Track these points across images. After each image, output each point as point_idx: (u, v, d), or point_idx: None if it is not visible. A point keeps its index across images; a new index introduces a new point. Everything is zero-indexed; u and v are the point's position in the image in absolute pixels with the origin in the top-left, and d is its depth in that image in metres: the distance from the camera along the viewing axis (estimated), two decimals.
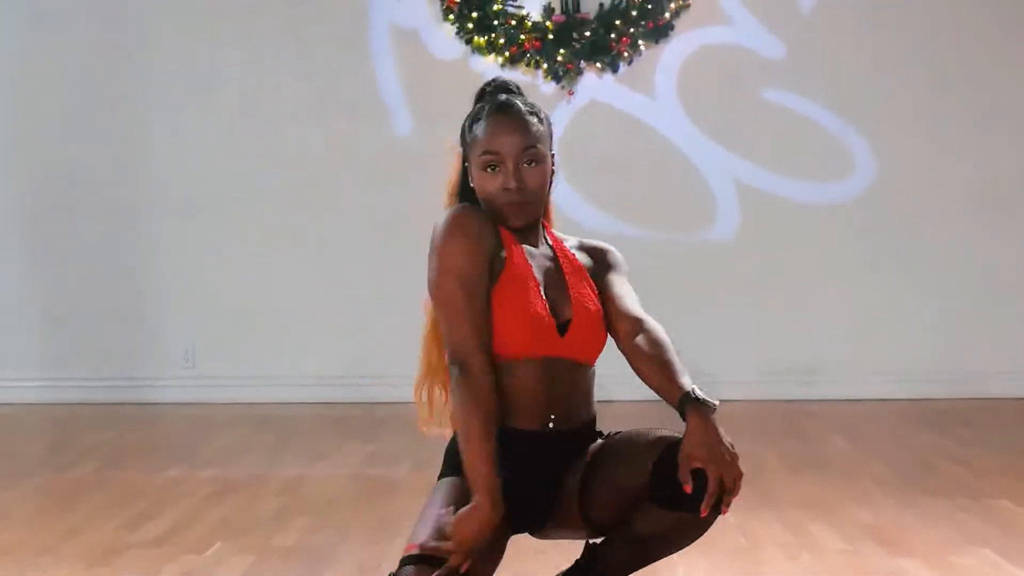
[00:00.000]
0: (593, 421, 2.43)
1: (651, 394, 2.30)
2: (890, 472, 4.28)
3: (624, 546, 2.35)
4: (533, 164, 2.33)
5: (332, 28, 6.22)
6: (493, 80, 2.51)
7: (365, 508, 3.77)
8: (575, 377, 2.36)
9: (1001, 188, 6.08)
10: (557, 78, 6.09)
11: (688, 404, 2.18)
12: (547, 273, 2.38)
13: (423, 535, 2.16)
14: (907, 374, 6.05)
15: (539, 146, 2.34)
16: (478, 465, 2.15)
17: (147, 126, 6.28)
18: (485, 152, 2.33)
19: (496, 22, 6.04)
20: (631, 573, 2.40)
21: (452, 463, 2.31)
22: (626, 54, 6.07)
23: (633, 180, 6.15)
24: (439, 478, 2.35)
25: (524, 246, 2.37)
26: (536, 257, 2.38)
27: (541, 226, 2.46)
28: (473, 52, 6.11)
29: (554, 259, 2.42)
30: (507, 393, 2.28)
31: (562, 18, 6.04)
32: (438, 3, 6.12)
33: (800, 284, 6.15)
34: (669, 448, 2.18)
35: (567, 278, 2.39)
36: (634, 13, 6.02)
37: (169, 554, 3.22)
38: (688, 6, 6.07)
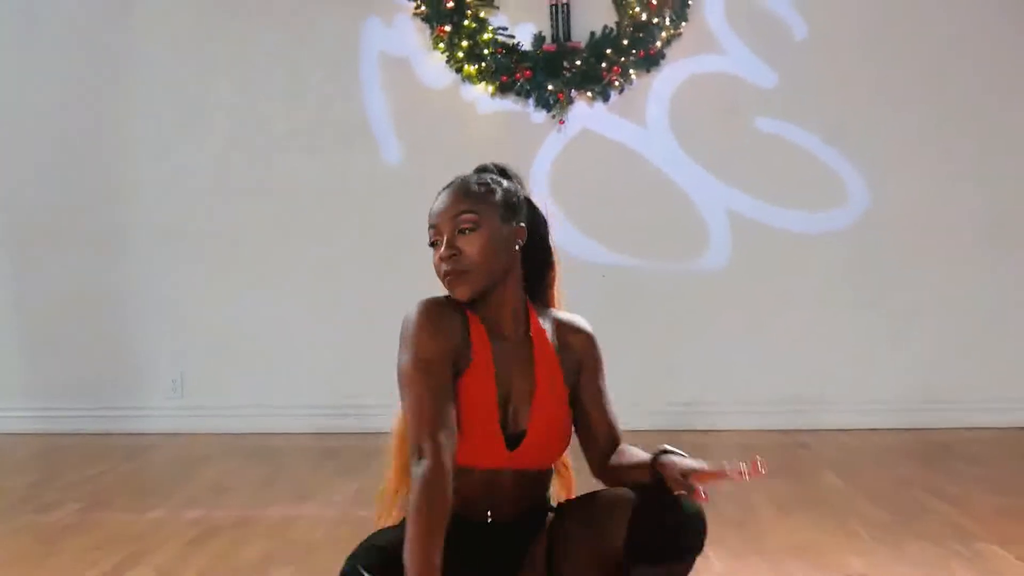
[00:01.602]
0: (543, 507, 2.38)
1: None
2: (882, 514, 4.22)
3: None
4: (468, 231, 2.25)
5: (322, 56, 6.20)
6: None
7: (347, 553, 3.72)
8: (521, 482, 2.30)
9: (995, 219, 6.07)
10: (548, 107, 6.06)
11: (656, 459, 2.21)
12: (515, 373, 2.30)
13: None
14: (900, 403, 6.03)
15: (475, 212, 2.26)
16: (415, 555, 2.01)
17: (136, 154, 6.27)
18: (430, 228, 2.30)
19: (486, 51, 6.02)
20: None
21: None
22: (617, 83, 6.05)
23: (625, 209, 6.12)
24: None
25: (491, 339, 2.28)
26: (506, 354, 2.30)
27: (524, 310, 2.37)
28: (463, 81, 6.10)
29: (526, 360, 2.32)
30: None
31: (553, 47, 6.02)
32: (428, 32, 6.10)
33: (792, 313, 6.12)
34: (641, 503, 2.15)
35: (537, 388, 2.30)
36: (625, 42, 6.00)
37: None
38: (679, 35, 6.06)
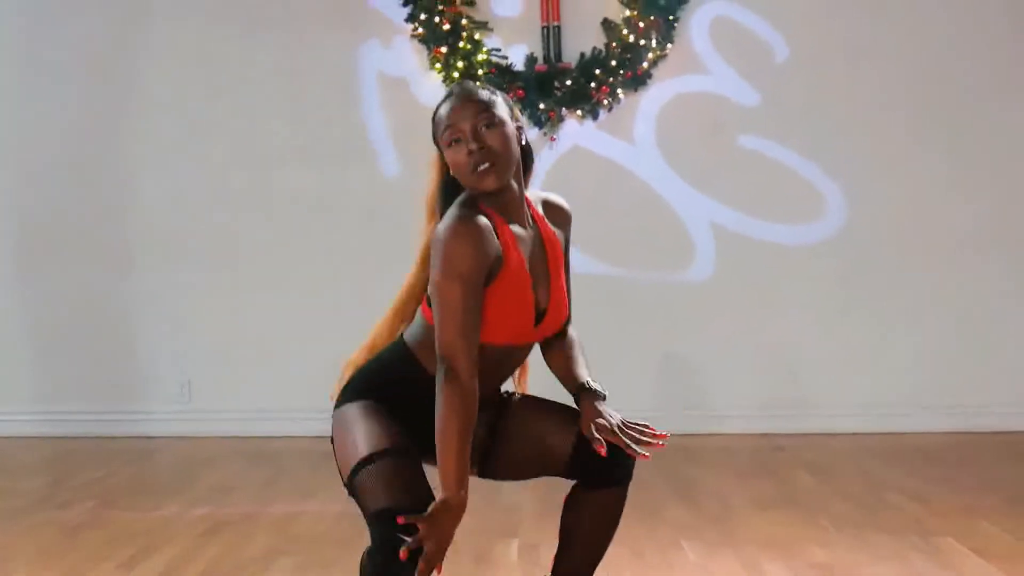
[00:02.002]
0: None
1: None
2: (850, 509, 4.49)
3: (569, 550, 2.70)
4: (490, 127, 2.44)
5: (322, 76, 6.45)
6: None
7: (351, 547, 3.97)
8: (522, 356, 2.64)
9: (969, 231, 6.31)
10: (540, 125, 6.32)
11: (582, 392, 2.57)
12: (535, 262, 2.54)
13: (361, 448, 2.40)
14: (878, 408, 6.28)
15: (494, 110, 2.46)
16: (452, 464, 2.29)
17: (142, 168, 6.52)
18: (446, 129, 2.47)
19: (481, 71, 6.27)
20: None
21: (357, 389, 2.55)
22: (606, 102, 6.31)
23: (614, 222, 6.37)
24: (337, 407, 2.56)
25: (515, 233, 2.49)
26: (526, 245, 2.52)
27: (525, 203, 2.57)
28: None
29: (539, 243, 2.57)
30: None
31: (544, 67, 6.28)
32: (425, 52, 6.36)
33: (774, 322, 6.37)
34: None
35: (550, 266, 2.57)
36: (613, 63, 6.26)
37: None
38: (665, 56, 6.31)
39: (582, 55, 6.31)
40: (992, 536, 4.02)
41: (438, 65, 6.33)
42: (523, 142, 2.55)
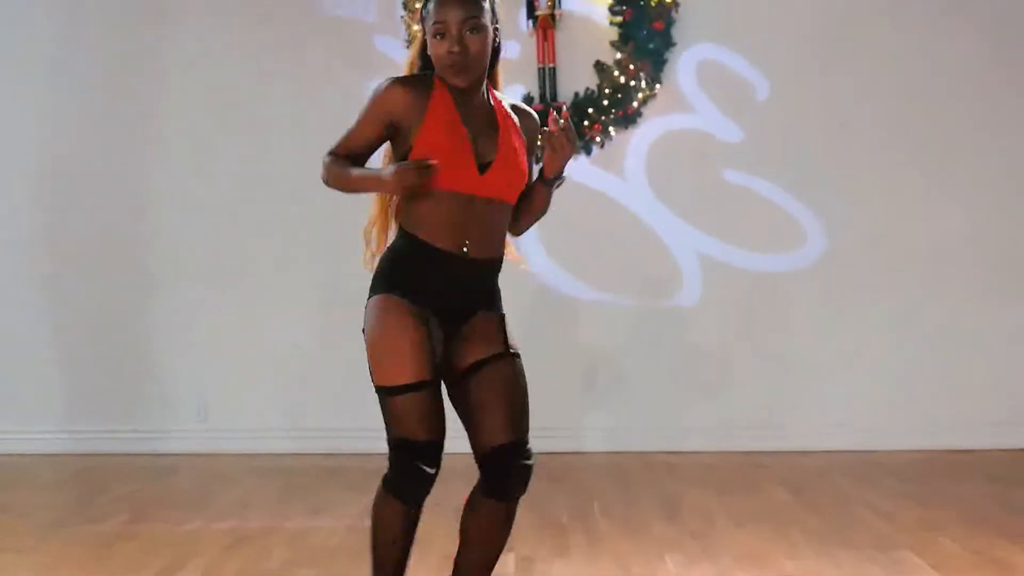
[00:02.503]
0: (501, 257, 3.04)
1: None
2: (820, 524, 4.89)
3: (465, 548, 3.07)
4: (474, 32, 2.84)
5: (330, 113, 6.80)
6: None
7: (364, 558, 4.36)
8: (491, 214, 2.93)
9: (938, 260, 6.72)
10: (537, 159, 6.71)
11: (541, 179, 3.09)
12: (479, 123, 2.90)
13: (391, 370, 2.82)
14: (852, 428, 6.69)
15: (480, 18, 2.84)
16: (362, 178, 2.93)
17: (160, 195, 6.94)
18: (435, 23, 2.84)
19: None
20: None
21: (380, 282, 2.95)
22: (598, 139, 6.72)
23: (606, 251, 6.78)
24: (370, 297, 2.96)
25: (456, 99, 2.88)
26: (471, 109, 2.90)
27: (486, 89, 2.97)
28: None
29: (490, 113, 2.95)
30: (432, 218, 2.87)
31: (540, 107, 6.67)
32: None
33: (756, 345, 6.78)
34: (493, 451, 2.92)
35: (499, 128, 2.95)
36: (605, 102, 6.67)
37: None
38: (654, 96, 6.72)
39: (576, 95, 6.72)
40: (948, 551, 4.40)
41: None
42: (496, 43, 2.96)
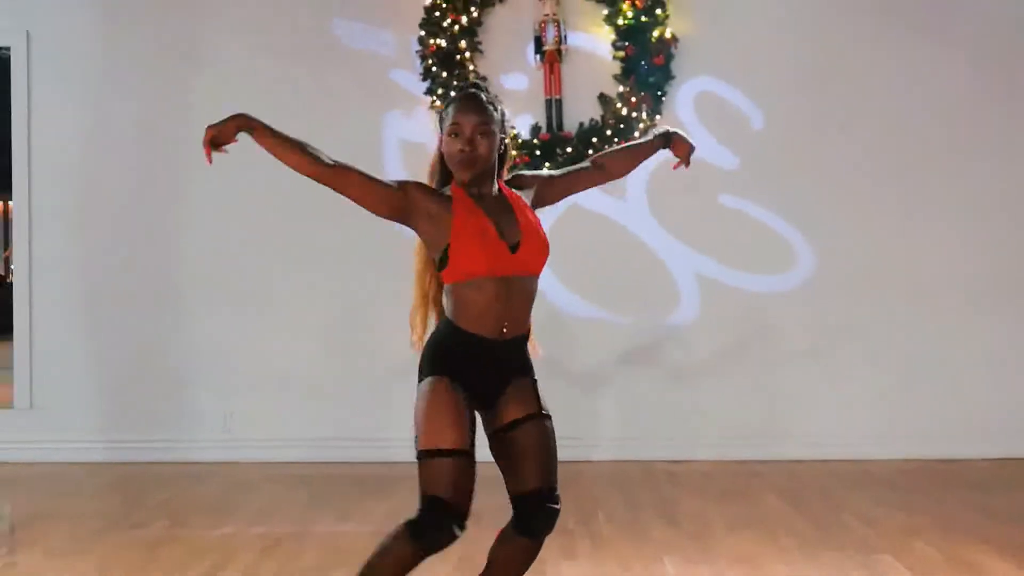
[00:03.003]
0: (529, 329, 3.36)
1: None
2: (809, 529, 5.30)
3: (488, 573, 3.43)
4: (484, 136, 3.23)
5: (351, 141, 7.22)
6: (464, 83, 3.42)
7: None
8: (525, 289, 3.26)
9: (920, 281, 7.14)
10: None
11: (660, 136, 3.74)
12: (498, 212, 3.25)
13: (433, 436, 3.12)
14: (842, 438, 7.10)
15: (490, 125, 3.25)
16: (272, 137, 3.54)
17: (190, 228, 7.35)
18: (452, 123, 3.25)
19: None
20: None
21: (427, 367, 3.24)
22: None
23: (608, 271, 7.19)
24: (420, 380, 3.24)
25: (473, 196, 3.24)
26: (488, 202, 3.26)
27: (495, 183, 3.33)
28: None
29: (503, 200, 3.30)
30: (472, 305, 3.19)
31: (547, 136, 7.09)
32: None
33: (751, 359, 7.19)
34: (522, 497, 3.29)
35: (515, 211, 3.31)
36: (609, 132, 7.08)
37: None
38: (655, 126, 7.13)
39: (581, 125, 7.14)
40: (924, 554, 4.81)
41: None
42: (502, 149, 3.36)
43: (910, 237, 7.17)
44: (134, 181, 7.36)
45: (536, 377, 3.40)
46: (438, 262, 3.24)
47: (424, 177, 3.42)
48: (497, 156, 3.35)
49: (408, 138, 7.25)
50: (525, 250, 3.24)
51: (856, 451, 7.07)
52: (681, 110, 7.19)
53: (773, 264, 7.22)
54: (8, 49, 7.42)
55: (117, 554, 4.95)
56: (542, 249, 3.30)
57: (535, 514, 3.29)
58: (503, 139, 3.37)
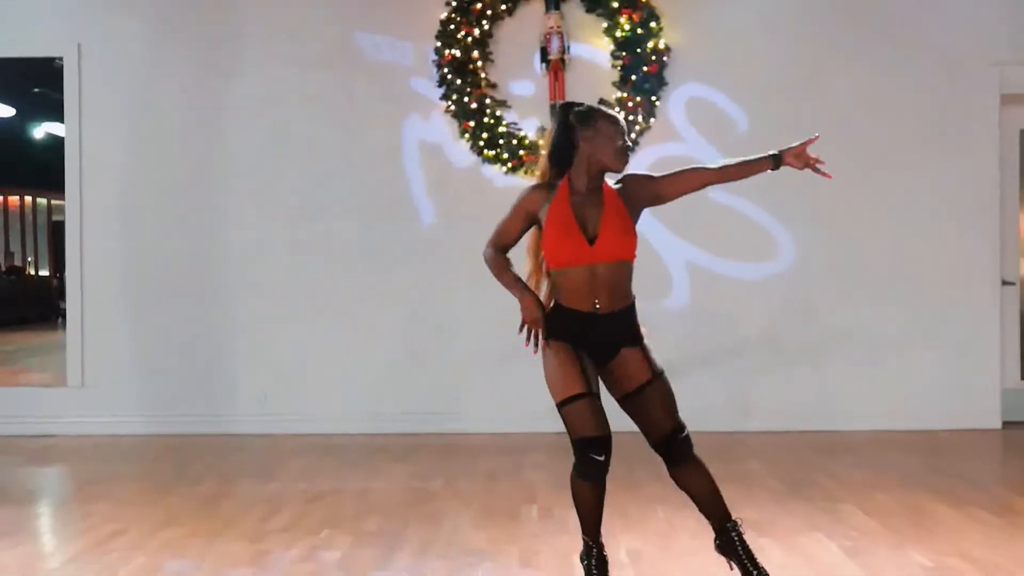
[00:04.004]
0: (631, 305, 4.04)
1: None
2: (782, 486, 6.05)
3: (701, 508, 4.25)
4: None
5: (374, 144, 8.01)
6: (572, 103, 4.10)
7: (416, 508, 5.55)
8: (614, 274, 3.91)
9: (890, 269, 7.89)
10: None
11: (773, 158, 4.36)
12: (588, 206, 3.89)
13: (563, 388, 3.88)
14: (822, 413, 7.84)
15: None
16: (508, 284, 4.00)
17: (227, 225, 8.08)
18: (618, 128, 3.97)
19: (501, 140, 7.84)
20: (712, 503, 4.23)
21: (546, 333, 3.95)
22: None
23: None
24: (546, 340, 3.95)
25: (572, 191, 3.92)
26: (585, 196, 3.92)
27: (599, 182, 3.99)
28: (483, 162, 7.91)
29: (598, 199, 3.93)
30: (566, 288, 3.90)
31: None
32: (456, 125, 7.92)
33: (736, 340, 7.94)
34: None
35: (605, 206, 3.91)
36: None
37: (296, 536, 5.00)
38: (649, 128, 7.88)
39: None
40: (881, 502, 5.57)
41: (467, 135, 7.89)
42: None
43: (882, 230, 7.91)
44: (176, 181, 8.10)
45: (646, 343, 4.09)
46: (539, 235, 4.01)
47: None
48: None
49: (426, 139, 7.99)
50: (603, 241, 3.90)
51: (831, 423, 7.81)
52: (673, 114, 7.93)
53: (757, 254, 7.96)
54: (61, 59, 8.15)
55: (181, 504, 5.72)
56: (622, 238, 3.94)
57: (676, 447, 4.08)
58: None
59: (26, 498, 6.16)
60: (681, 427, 4.13)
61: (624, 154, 4.00)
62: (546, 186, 4.00)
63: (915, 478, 6.22)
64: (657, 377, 4.08)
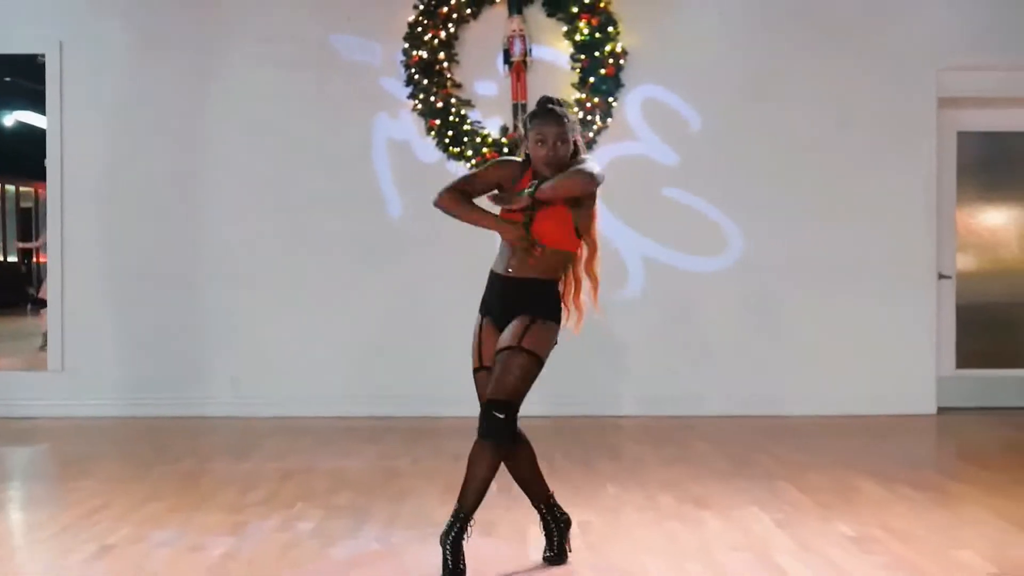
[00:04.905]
0: (547, 282, 4.33)
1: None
2: (726, 465, 6.48)
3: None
4: (562, 143, 4.26)
5: (346, 140, 8.37)
6: (544, 98, 4.42)
7: (384, 485, 5.94)
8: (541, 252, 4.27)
9: (832, 263, 8.34)
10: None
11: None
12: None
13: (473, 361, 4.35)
14: (770, 399, 8.29)
15: (568, 134, 4.26)
16: (480, 216, 4.27)
17: (205, 216, 8.41)
18: (537, 133, 4.25)
19: (465, 138, 8.22)
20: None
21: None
22: None
23: None
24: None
25: (538, 179, 4.22)
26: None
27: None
28: (448, 158, 8.29)
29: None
30: (500, 249, 4.31)
31: (514, 135, 8.22)
32: (423, 123, 8.30)
33: (687, 330, 8.37)
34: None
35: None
36: None
37: (272, 509, 5.37)
38: (607, 127, 8.28)
39: None
40: (814, 480, 6.01)
41: (433, 133, 8.27)
42: (572, 149, 4.32)
43: (826, 226, 8.35)
44: (157, 174, 8.42)
45: (538, 318, 4.32)
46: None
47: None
48: (568, 156, 4.35)
49: (394, 136, 8.36)
50: (537, 225, 4.27)
51: (777, 408, 8.26)
52: (629, 114, 8.34)
53: (707, 247, 8.39)
54: (43, 56, 8.46)
55: (163, 480, 6.08)
56: (553, 230, 4.28)
57: (484, 419, 4.24)
58: (575, 142, 4.37)
59: (11, 475, 6.51)
60: (501, 404, 4.20)
61: (549, 166, 4.25)
62: (520, 165, 4.36)
63: (849, 459, 6.67)
64: (517, 351, 4.24)
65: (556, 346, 4.42)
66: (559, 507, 4.56)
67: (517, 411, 4.28)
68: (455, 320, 8.05)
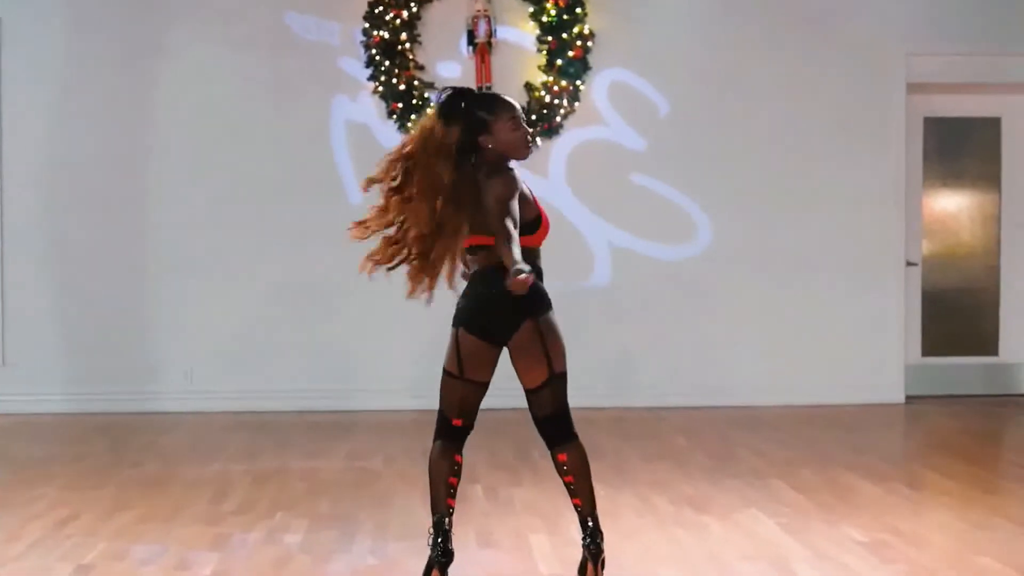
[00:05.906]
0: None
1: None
2: (710, 461, 6.33)
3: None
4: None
5: (302, 124, 8.05)
6: (460, 87, 4.20)
7: (364, 489, 5.68)
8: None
9: (800, 252, 8.24)
10: None
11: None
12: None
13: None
14: (737, 388, 8.17)
15: None
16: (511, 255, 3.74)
17: (153, 202, 8.09)
18: (512, 119, 4.03)
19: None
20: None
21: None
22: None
23: None
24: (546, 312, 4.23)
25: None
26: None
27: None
28: None
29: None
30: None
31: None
32: (384, 106, 8.00)
33: (656, 318, 8.21)
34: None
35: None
36: (533, 117, 7.98)
37: (251, 519, 5.07)
38: (574, 112, 8.06)
39: None
40: (807, 479, 5.87)
41: (394, 116, 7.98)
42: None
43: (794, 213, 8.25)
44: (100, 158, 8.04)
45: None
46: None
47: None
48: None
49: (354, 119, 8.07)
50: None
51: (746, 398, 8.14)
52: (596, 98, 8.13)
53: (675, 235, 8.23)
54: None
55: (128, 488, 5.75)
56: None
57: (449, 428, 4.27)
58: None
59: None
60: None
61: (529, 149, 4.20)
62: (507, 172, 4.15)
63: (832, 453, 6.57)
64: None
65: None
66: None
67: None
68: (417, 311, 7.74)
